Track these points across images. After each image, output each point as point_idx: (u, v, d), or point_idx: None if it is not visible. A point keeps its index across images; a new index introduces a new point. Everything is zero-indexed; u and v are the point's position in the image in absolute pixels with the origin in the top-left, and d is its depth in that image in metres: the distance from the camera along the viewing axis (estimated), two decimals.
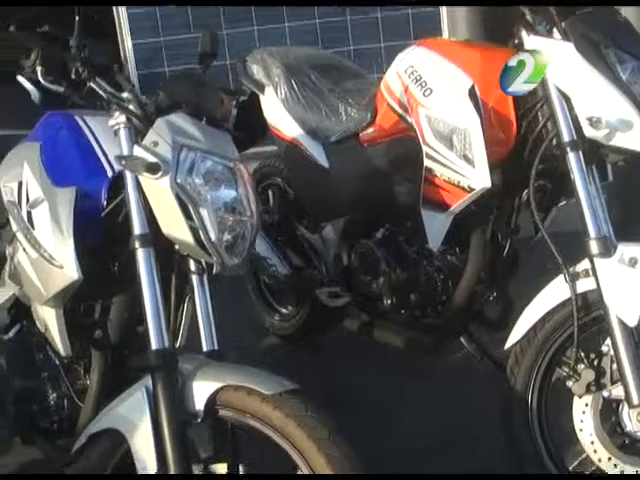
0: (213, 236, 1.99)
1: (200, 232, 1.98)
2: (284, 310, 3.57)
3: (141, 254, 2.01)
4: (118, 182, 2.17)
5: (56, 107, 2.32)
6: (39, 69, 2.09)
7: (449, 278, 2.71)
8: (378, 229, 2.88)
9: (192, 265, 2.11)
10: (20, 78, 2.92)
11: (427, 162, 2.56)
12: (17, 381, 2.52)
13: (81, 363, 2.47)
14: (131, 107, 2.06)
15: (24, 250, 2.22)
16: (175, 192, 1.96)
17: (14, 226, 2.25)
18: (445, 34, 5.37)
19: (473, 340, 2.90)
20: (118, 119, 2.07)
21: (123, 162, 1.97)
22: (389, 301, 2.77)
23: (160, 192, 1.98)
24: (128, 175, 2.05)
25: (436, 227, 2.59)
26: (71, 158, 2.26)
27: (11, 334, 2.59)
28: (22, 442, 2.70)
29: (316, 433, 1.91)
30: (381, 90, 2.86)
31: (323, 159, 3.04)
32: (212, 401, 1.97)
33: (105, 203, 2.19)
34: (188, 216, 1.97)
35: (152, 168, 1.94)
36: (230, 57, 5.50)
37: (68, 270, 2.10)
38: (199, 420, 1.97)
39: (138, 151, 1.99)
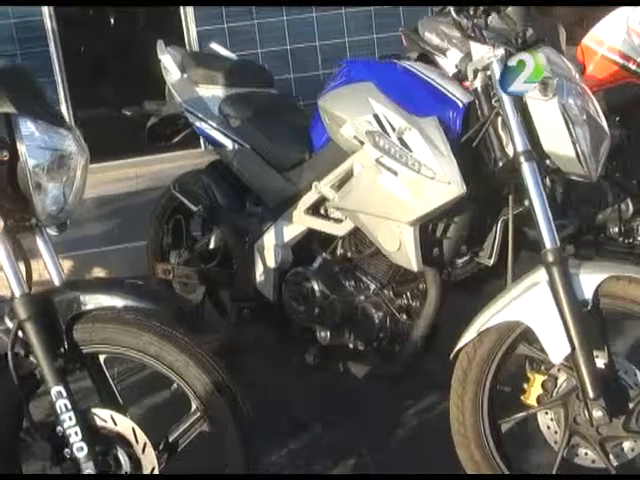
0: (586, 150, 2.31)
1: (578, 146, 2.29)
2: None
3: (527, 167, 2.29)
4: (469, 112, 2.45)
5: None
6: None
7: None
8: None
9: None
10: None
11: None
12: (336, 307, 2.73)
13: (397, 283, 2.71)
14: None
15: (392, 173, 2.45)
16: (562, 112, 2.27)
17: (375, 153, 2.48)
18: None
19: None
20: (495, 52, 2.35)
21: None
22: (616, 229, 3.13)
23: (549, 112, 2.28)
24: (506, 99, 2.33)
25: None
26: (417, 93, 2.51)
27: (315, 265, 2.81)
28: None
29: None
30: (587, 45, 3.23)
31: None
32: (597, 291, 2.26)
33: (461, 130, 2.44)
34: (569, 133, 2.28)
35: (549, 90, 2.25)
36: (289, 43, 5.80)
37: (455, 185, 2.37)
38: (588, 309, 2.26)
39: None
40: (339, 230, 2.72)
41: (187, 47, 5.76)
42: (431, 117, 2.44)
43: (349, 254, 2.77)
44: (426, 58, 3.68)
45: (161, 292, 2.58)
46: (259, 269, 2.95)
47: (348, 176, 2.63)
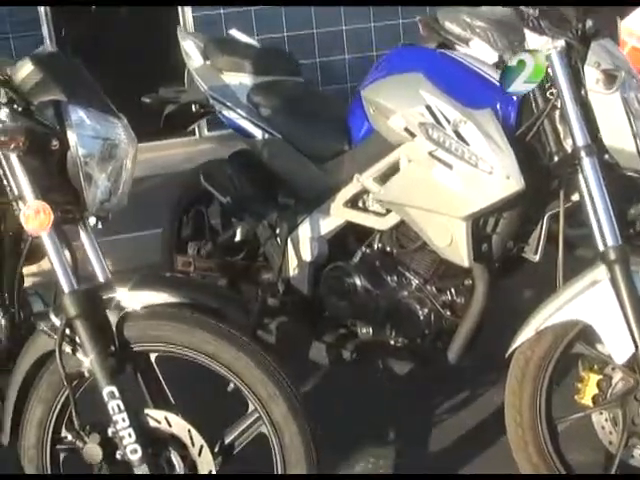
0: None
1: (638, 140, 2.25)
2: None
3: (588, 162, 2.25)
4: (522, 104, 2.40)
5: None
6: None
7: None
8: None
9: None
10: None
11: None
12: (380, 302, 2.67)
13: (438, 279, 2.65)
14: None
15: (447, 166, 2.39)
16: (624, 105, 2.23)
17: (428, 146, 2.42)
18: None
19: None
20: (555, 43, 2.29)
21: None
22: None
23: (611, 105, 2.24)
24: (566, 92, 2.28)
25: None
26: (469, 84, 2.46)
27: (356, 260, 2.74)
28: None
29: None
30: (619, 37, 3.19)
31: None
32: None
33: (515, 123, 2.39)
34: (631, 127, 2.25)
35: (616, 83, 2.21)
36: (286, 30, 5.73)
37: (514, 180, 2.31)
38: None
39: (588, 70, 2.25)
40: (382, 224, 2.65)
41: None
42: (486, 109, 2.37)
43: (388, 248, 2.71)
44: (445, 48, 3.62)
45: (214, 288, 2.49)
46: (293, 263, 2.87)
47: (394, 169, 2.57)
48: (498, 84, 2.41)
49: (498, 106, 2.40)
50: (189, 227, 3.40)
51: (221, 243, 3.23)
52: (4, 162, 2.04)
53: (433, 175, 2.43)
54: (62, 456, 2.22)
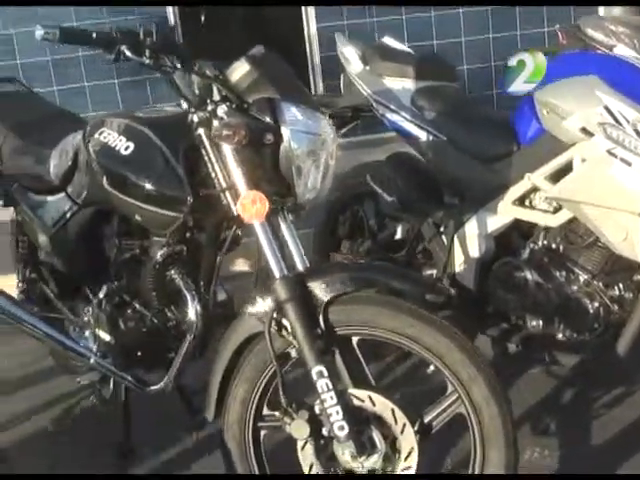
0: None
1: None
2: None
3: None
4: None
5: None
6: None
7: None
8: None
9: None
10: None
11: None
12: (551, 296, 2.77)
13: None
14: None
15: (626, 164, 2.49)
16: None
17: (607, 144, 2.52)
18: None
19: None
20: None
21: None
22: None
23: None
24: None
25: None
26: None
27: (525, 256, 2.85)
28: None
29: None
30: None
31: None
32: None
33: None
34: None
35: None
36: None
37: None
38: None
39: None
40: (552, 221, 2.76)
41: (307, 44, 5.84)
42: None
43: (554, 245, 2.81)
44: None
45: (413, 274, 2.61)
46: (459, 259, 2.99)
47: (566, 167, 2.67)
48: None
49: None
50: (345, 226, 3.53)
51: (380, 241, 3.36)
52: (212, 154, 2.20)
53: (611, 173, 2.53)
54: (263, 433, 2.36)
